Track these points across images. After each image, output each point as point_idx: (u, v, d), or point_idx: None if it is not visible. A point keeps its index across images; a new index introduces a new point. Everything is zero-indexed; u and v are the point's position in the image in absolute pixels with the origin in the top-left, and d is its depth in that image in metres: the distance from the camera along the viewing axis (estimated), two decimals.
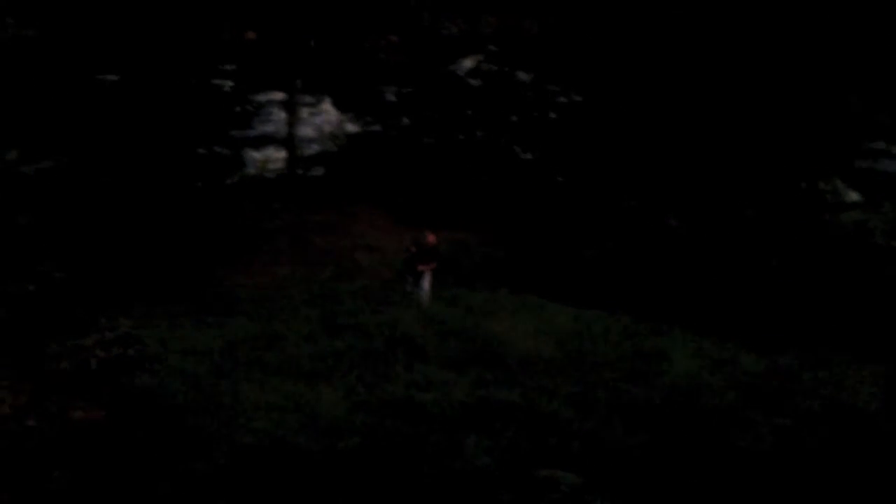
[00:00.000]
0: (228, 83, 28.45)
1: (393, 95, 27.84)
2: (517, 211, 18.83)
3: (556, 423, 11.19)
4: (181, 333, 13.24)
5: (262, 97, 27.60)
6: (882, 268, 15.47)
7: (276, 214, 18.91)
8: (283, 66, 24.84)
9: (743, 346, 13.74)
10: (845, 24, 24.57)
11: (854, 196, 20.61)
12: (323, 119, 25.75)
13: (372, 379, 12.21)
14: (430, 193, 19.91)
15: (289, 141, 21.78)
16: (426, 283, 15.72)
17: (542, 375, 12.51)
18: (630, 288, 15.48)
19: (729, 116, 21.30)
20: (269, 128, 25.28)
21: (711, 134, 21.03)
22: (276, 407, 11.23)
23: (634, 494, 9.83)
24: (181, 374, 11.83)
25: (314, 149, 23.09)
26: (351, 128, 24.46)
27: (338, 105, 27.39)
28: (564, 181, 20.23)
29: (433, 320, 14.19)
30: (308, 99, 27.01)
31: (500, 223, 18.56)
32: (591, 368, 12.72)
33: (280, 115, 25.07)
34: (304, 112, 25.22)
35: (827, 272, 15.36)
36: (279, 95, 26.55)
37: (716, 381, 12.45)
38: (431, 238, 15.69)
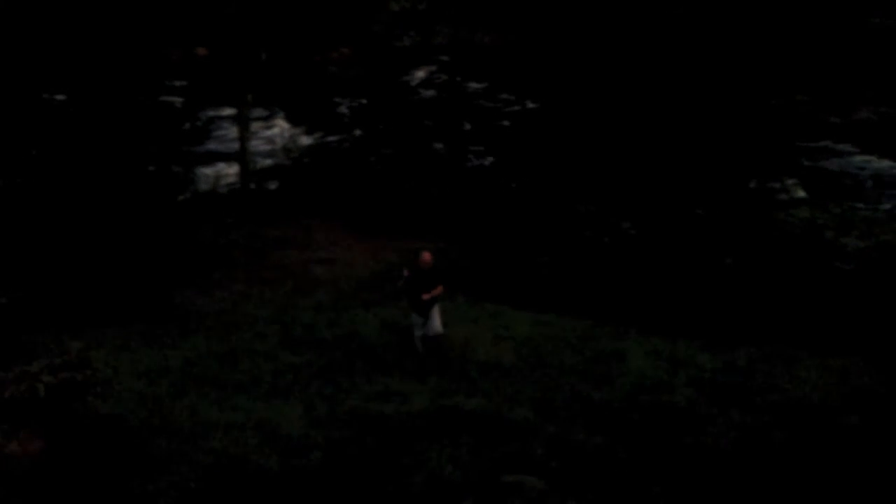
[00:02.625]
0: (178, 100, 28.16)
1: (346, 107, 27.81)
2: (473, 219, 18.86)
3: (518, 428, 11.20)
4: (135, 355, 13.02)
5: (213, 113, 27.34)
6: (832, 262, 15.75)
7: (230, 230, 18.68)
8: (233, 81, 24.66)
9: (700, 344, 13.87)
10: (791, 28, 25.10)
11: (802, 194, 21.01)
12: (275, 133, 25.60)
13: (332, 393, 12.11)
14: (385, 204, 19.85)
15: (241, 156, 21.57)
16: (436, 316, 13.05)
17: (503, 381, 12.51)
18: (587, 292, 15.57)
19: (679, 119, 21.62)
20: (220, 143, 25.03)
21: (662, 137, 21.31)
22: (235, 425, 11.08)
23: (598, 495, 9.86)
24: (136, 397, 11.62)
25: (267, 163, 22.92)
26: (304, 140, 24.34)
27: (290, 118, 27.25)
28: (519, 188, 20.32)
29: (392, 330, 14.13)
30: (260, 113, 26.82)
31: (456, 232, 18.55)
32: (550, 372, 12.75)
33: (232, 130, 24.84)
34: (257, 126, 25.04)
35: (779, 269, 15.61)
36: (231, 111, 26.33)
37: (674, 380, 12.56)
38: (427, 257, 12.99)
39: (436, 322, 13.08)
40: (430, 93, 29.72)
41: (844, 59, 29.11)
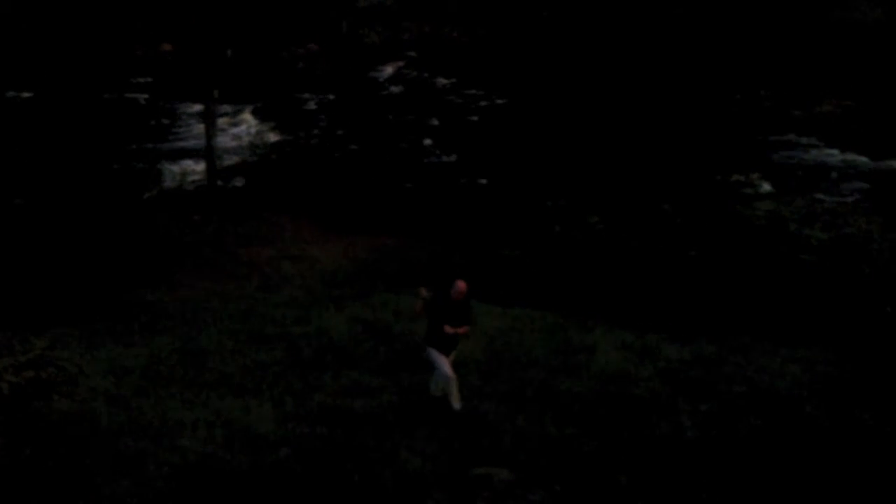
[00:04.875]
0: (144, 96, 27.90)
1: (314, 103, 27.71)
2: (441, 214, 18.89)
3: (487, 421, 11.24)
4: (102, 353, 12.88)
5: (179, 109, 27.12)
6: (796, 254, 15.97)
7: (197, 227, 18.55)
8: (199, 77, 24.47)
9: (666, 336, 14.02)
10: (754, 23, 25.39)
11: (767, 187, 21.31)
12: (242, 129, 25.45)
13: (301, 389, 12.07)
14: (354, 200, 19.82)
15: (207, 152, 21.41)
16: (447, 364, 11.17)
17: (472, 375, 12.54)
18: (555, 285, 15.66)
19: (645, 115, 21.80)
20: (187, 140, 24.85)
21: (629, 132, 21.47)
22: (204, 423, 11.00)
23: (566, 486, 9.94)
24: (103, 395, 11.51)
25: (234, 159, 22.77)
26: (272, 137, 24.21)
27: (257, 114, 27.12)
28: (487, 183, 20.39)
29: (360, 325, 14.12)
30: (227, 109, 26.65)
31: (424, 227, 18.58)
32: (519, 366, 12.81)
33: (198, 126, 24.65)
34: (223, 122, 24.87)
35: (744, 261, 15.80)
36: (197, 107, 26.11)
37: (641, 372, 12.68)
38: (462, 287, 11.01)
39: (446, 369, 11.15)
40: (398, 88, 29.71)
41: (807, 52, 29.52)
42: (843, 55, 29.88)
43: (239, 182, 21.49)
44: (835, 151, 25.28)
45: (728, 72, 23.29)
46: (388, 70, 31.76)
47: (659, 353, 13.34)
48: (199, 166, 22.35)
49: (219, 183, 21.27)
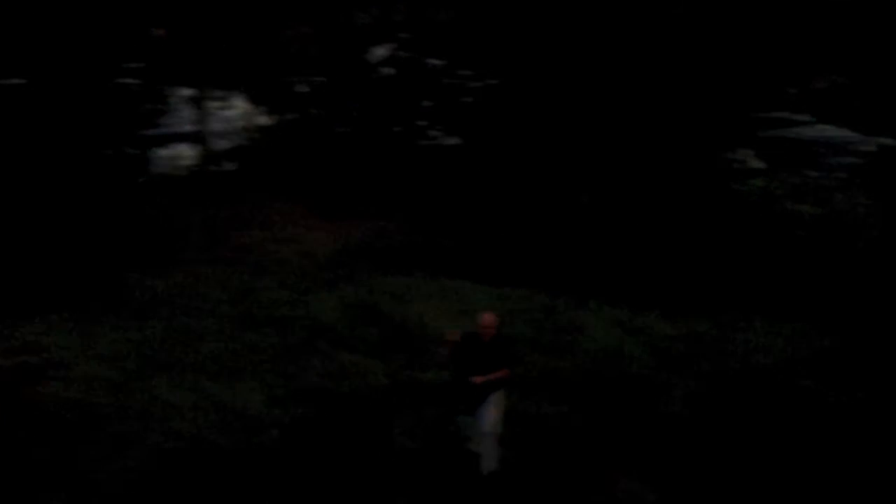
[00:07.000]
0: (136, 81, 27.75)
1: (305, 86, 27.51)
2: (433, 195, 18.84)
3: None
4: (91, 338, 12.84)
5: (170, 94, 26.97)
6: (789, 231, 15.97)
7: (189, 212, 18.48)
8: (190, 62, 24.31)
9: (659, 314, 14.01)
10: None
11: (760, 164, 21.24)
12: (234, 113, 25.28)
13: (293, 371, 12.07)
14: (347, 183, 19.76)
15: (199, 137, 21.30)
16: (490, 412, 9.02)
17: None
18: (547, 265, 15.64)
19: (637, 93, 21.68)
20: (178, 125, 24.68)
21: (620, 111, 21.37)
22: (193, 407, 11.02)
23: (558, 463, 9.96)
24: (92, 380, 11.49)
25: (226, 144, 22.64)
26: (263, 120, 24.06)
27: (249, 98, 26.93)
28: (479, 164, 20.33)
29: (352, 307, 14.10)
30: (218, 93, 26.48)
31: (416, 209, 18.53)
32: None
33: (190, 111, 24.48)
34: (214, 107, 24.70)
35: (737, 238, 15.80)
36: (188, 91, 25.95)
37: (634, 350, 12.69)
38: (489, 320, 8.95)
39: (488, 418, 8.96)
40: (390, 70, 29.54)
41: (799, 29, 29.37)
42: (834, 31, 29.74)
43: (231, 166, 21.40)
44: (827, 128, 25.20)
45: (722, 49, 23.20)
46: (380, 52, 31.57)
47: (652, 331, 13.35)
48: (191, 151, 22.24)
49: (211, 168, 21.19)
